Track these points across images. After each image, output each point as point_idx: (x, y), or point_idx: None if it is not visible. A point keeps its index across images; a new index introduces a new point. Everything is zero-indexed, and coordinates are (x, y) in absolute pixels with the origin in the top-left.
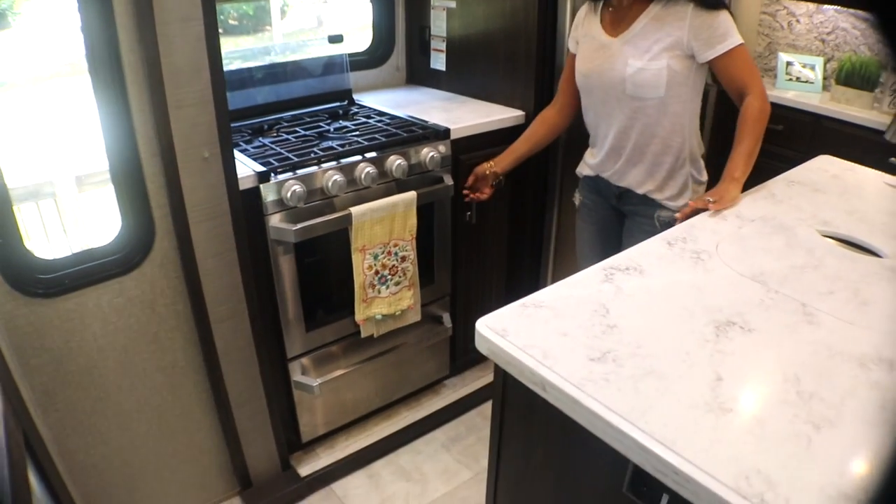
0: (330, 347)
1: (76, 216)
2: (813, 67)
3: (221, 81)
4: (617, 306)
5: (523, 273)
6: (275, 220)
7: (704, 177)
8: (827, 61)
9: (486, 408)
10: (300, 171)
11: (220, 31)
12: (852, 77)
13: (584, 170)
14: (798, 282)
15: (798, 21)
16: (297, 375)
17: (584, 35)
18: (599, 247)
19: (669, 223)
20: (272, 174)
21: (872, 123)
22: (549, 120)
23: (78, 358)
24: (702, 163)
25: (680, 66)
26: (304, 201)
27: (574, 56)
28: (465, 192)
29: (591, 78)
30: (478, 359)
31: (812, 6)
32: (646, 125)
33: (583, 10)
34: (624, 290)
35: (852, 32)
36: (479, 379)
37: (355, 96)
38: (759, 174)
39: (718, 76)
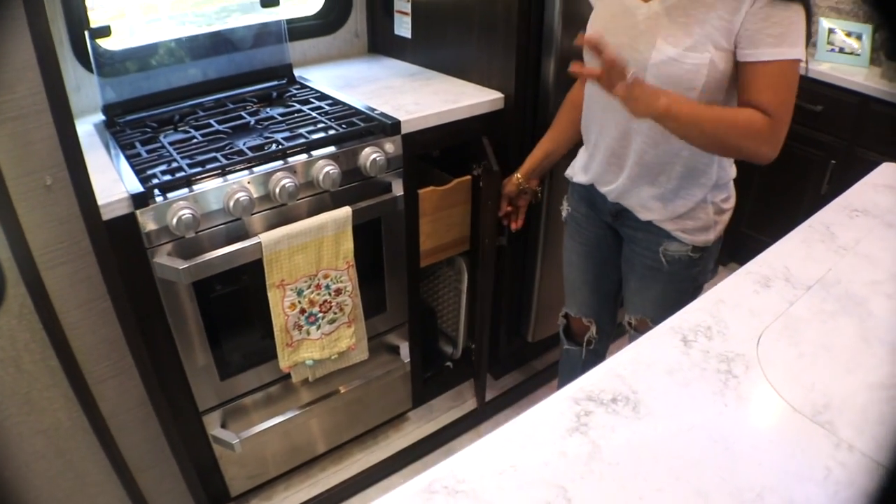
0: (255, 395)
1: None
2: (860, 37)
3: (57, 79)
4: (586, 491)
5: (503, 291)
6: (161, 255)
7: (731, 202)
8: (876, 30)
9: (459, 443)
10: (196, 188)
11: None
12: None
13: (575, 174)
14: (884, 422)
15: None
16: (214, 429)
17: None
18: (591, 273)
19: (680, 260)
20: (153, 194)
21: None
22: (581, 101)
23: None
24: (731, 187)
25: (725, 65)
26: (197, 229)
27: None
28: (504, 223)
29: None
30: (449, 384)
31: None
32: (662, 136)
33: None
34: (602, 450)
35: None
36: (449, 410)
37: (302, 70)
38: (793, 162)
39: (739, 85)
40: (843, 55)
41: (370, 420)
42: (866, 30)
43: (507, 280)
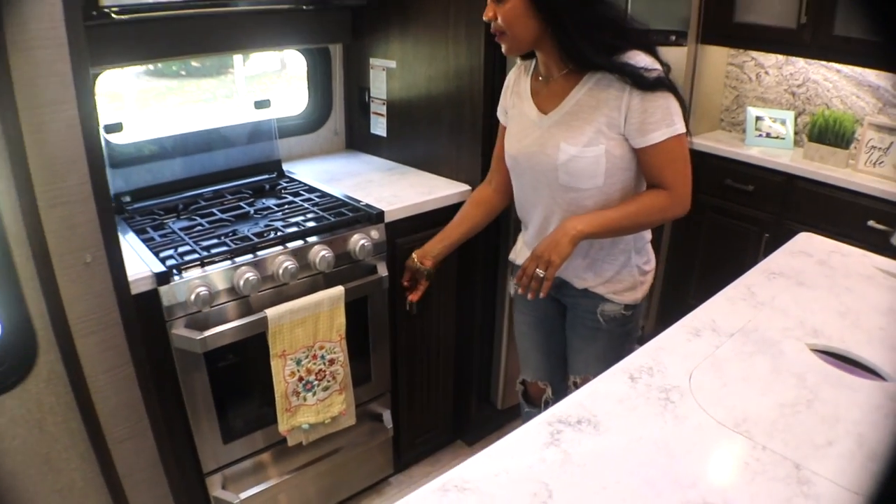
0: (254, 458)
1: None
2: (784, 122)
3: (102, 173)
4: (563, 485)
5: (473, 363)
6: (178, 327)
7: (651, 265)
8: (798, 115)
9: None
10: (208, 268)
11: (183, 73)
12: (826, 133)
13: (516, 256)
14: (790, 430)
15: (767, 73)
16: (216, 491)
17: (513, 106)
18: (542, 342)
19: (615, 318)
20: (174, 274)
21: (848, 183)
22: (485, 200)
23: None
24: (649, 249)
25: (621, 151)
26: (210, 305)
27: (501, 123)
28: (407, 293)
29: (520, 161)
30: (426, 452)
31: (781, 57)
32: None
33: (513, 74)
34: (573, 456)
35: (824, 85)
36: (427, 476)
37: (289, 165)
38: (731, 237)
39: (642, 168)
40: (769, 139)
41: (356, 484)
42: (790, 115)
43: (475, 355)
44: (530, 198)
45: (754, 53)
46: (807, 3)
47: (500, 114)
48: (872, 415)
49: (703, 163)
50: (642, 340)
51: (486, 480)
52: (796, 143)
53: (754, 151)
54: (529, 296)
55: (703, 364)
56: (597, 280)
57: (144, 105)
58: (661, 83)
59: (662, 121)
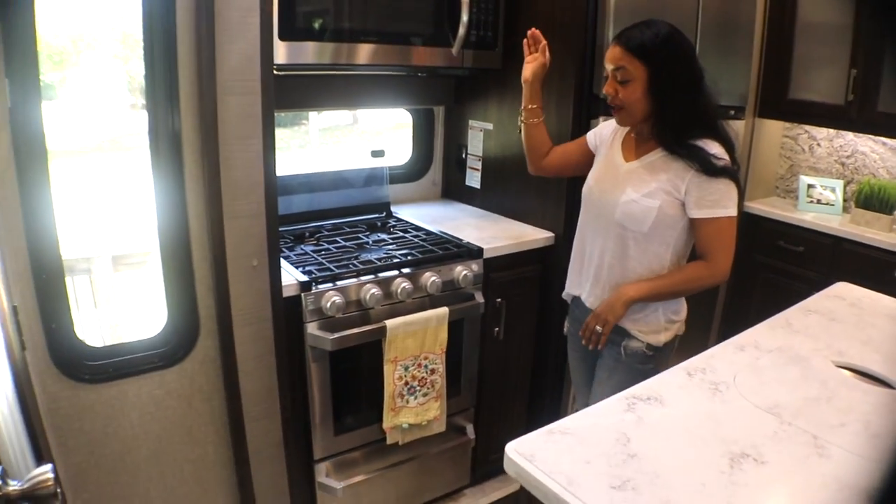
0: (355, 452)
1: (110, 294)
2: (833, 189)
3: (274, 196)
4: (638, 436)
5: (545, 393)
6: (312, 328)
7: (680, 315)
8: (847, 184)
9: None
10: (339, 283)
11: None
12: (871, 200)
13: (568, 290)
14: (811, 414)
15: (819, 145)
16: (321, 477)
17: (604, 146)
18: (588, 374)
19: (636, 354)
20: (314, 284)
21: (891, 245)
22: (547, 145)
23: (113, 443)
24: (680, 301)
25: (672, 211)
26: (342, 311)
27: (586, 140)
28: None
29: (594, 193)
30: (497, 470)
31: (832, 131)
32: (625, 255)
33: (614, 124)
34: (645, 419)
35: (871, 156)
36: (496, 490)
37: (393, 208)
38: (781, 294)
39: (694, 235)
40: (820, 205)
41: (435, 490)
42: (839, 184)
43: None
44: (591, 226)
45: (807, 127)
46: (853, 82)
47: (591, 135)
48: (879, 409)
49: (758, 226)
50: None
51: (582, 429)
52: (845, 209)
53: (806, 216)
54: (590, 347)
55: (745, 369)
56: (626, 317)
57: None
58: (726, 172)
59: (718, 202)
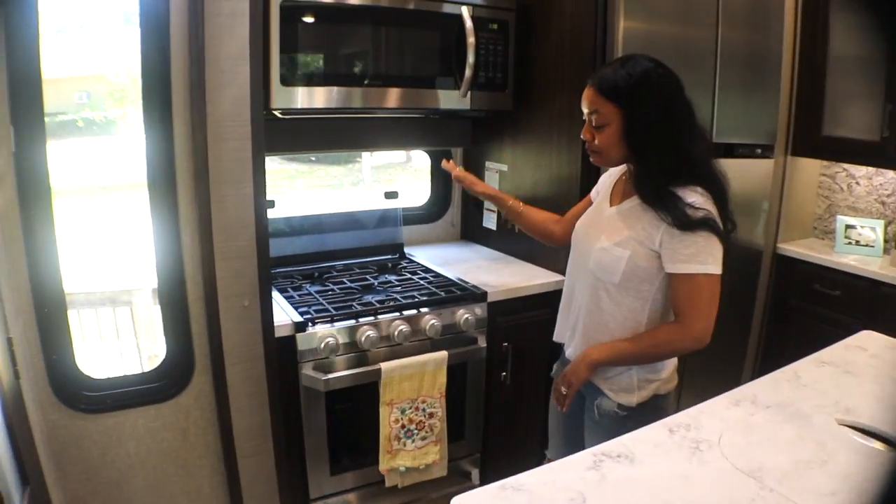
0: (352, 493)
1: (149, 326)
2: (874, 229)
3: (265, 238)
4: (595, 497)
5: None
6: (307, 368)
7: (661, 374)
8: (888, 224)
9: None
10: (336, 324)
11: (313, 159)
12: None
13: (555, 336)
14: (799, 479)
15: (858, 183)
16: None
17: (603, 190)
18: (564, 424)
19: (608, 415)
20: (308, 324)
21: None
22: (550, 220)
23: (110, 471)
24: (660, 365)
25: (645, 263)
26: (336, 353)
27: (590, 196)
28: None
29: (579, 236)
30: None
31: (871, 168)
32: (598, 307)
33: (619, 170)
34: (608, 478)
35: None
36: None
37: (410, 248)
38: (817, 340)
39: (670, 291)
40: (859, 247)
41: None
42: (880, 224)
43: None
44: (574, 269)
45: (845, 165)
46: (888, 117)
47: (593, 192)
48: (875, 474)
49: (793, 269)
50: None
51: (537, 485)
52: (885, 250)
53: (842, 258)
54: (558, 407)
55: (735, 426)
56: (598, 375)
57: (276, 186)
58: (705, 224)
59: (694, 257)
